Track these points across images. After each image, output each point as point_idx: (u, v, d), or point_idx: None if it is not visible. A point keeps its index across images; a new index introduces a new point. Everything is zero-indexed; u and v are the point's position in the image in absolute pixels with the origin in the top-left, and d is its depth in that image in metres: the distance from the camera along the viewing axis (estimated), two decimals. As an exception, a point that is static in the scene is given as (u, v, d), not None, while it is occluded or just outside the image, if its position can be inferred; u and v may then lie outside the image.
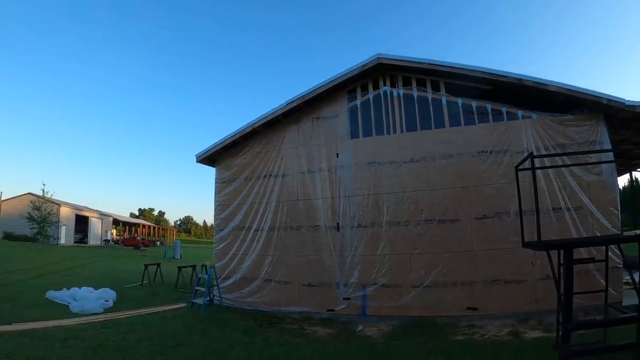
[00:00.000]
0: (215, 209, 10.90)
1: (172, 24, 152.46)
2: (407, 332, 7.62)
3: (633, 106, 8.22)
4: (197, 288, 10.38)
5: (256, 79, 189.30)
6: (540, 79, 8.55)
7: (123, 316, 8.88)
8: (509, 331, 7.20)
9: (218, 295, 10.20)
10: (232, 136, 10.51)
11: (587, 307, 6.67)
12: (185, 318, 8.80)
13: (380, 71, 9.84)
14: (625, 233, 7.03)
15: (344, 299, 9.08)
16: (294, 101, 9.93)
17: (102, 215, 50.14)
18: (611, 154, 8.74)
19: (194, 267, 14.52)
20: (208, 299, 9.98)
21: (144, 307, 9.96)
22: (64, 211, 39.90)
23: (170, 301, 11.00)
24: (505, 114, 8.94)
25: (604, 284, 5.43)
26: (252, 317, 9.02)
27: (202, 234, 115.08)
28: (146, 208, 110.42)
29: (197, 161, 11.08)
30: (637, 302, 4.51)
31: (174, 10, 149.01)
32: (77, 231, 42.67)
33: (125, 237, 54.33)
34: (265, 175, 10.33)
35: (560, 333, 4.64)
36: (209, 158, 11.04)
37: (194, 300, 10.01)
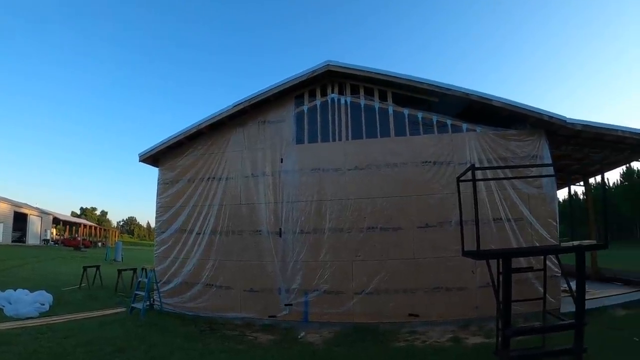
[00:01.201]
0: (157, 211, 10.75)
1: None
2: (349, 339, 7.82)
3: (573, 124, 8.95)
4: (136, 292, 10.19)
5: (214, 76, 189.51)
6: (486, 94, 9.10)
7: (59, 321, 8.66)
8: (450, 337, 7.58)
9: (158, 300, 10.08)
10: (176, 136, 10.42)
11: (527, 313, 7.25)
12: (125, 323, 8.70)
13: (329, 78, 10.07)
14: (562, 243, 7.71)
15: (285, 305, 9.20)
16: (240, 103, 9.97)
17: (42, 213, 47.63)
18: (551, 168, 9.38)
19: (134, 270, 14.29)
20: (148, 303, 9.84)
21: (81, 311, 9.77)
22: (2, 207, 37.69)
23: (110, 305, 10.78)
24: (450, 126, 9.43)
25: (543, 291, 5.99)
26: (193, 322, 9.02)
27: (145, 236, 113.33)
28: (88, 207, 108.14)
29: (140, 160, 10.92)
30: (575, 309, 4.91)
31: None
32: (15, 229, 40.49)
33: (65, 237, 52.47)
34: (209, 178, 10.29)
35: (499, 339, 5.03)
36: (153, 158, 10.90)
37: (133, 305, 9.85)
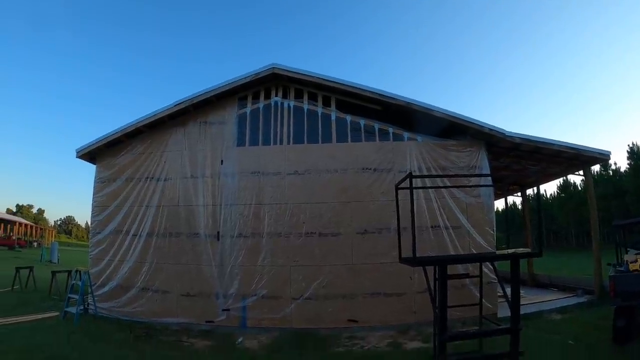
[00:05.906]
0: (92, 210, 10.90)
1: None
2: (288, 344, 8.28)
3: (512, 137, 9.83)
4: (70, 295, 10.36)
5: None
6: (428, 104, 9.85)
7: (-13, 326, 8.55)
8: (389, 342, 8.16)
9: (93, 304, 10.26)
10: (114, 133, 10.65)
11: (465, 318, 7.90)
12: (57, 329, 8.92)
13: (274, 81, 10.60)
14: (499, 251, 8.55)
15: (223, 310, 9.58)
16: (182, 102, 10.32)
17: (-27, 208, 47.08)
18: (490, 178, 10.22)
19: (69, 272, 14.60)
20: (82, 308, 9.99)
21: (12, 315, 9.95)
22: None
23: (43, 309, 10.95)
24: (391, 134, 10.14)
25: (479, 297, 6.54)
26: (128, 328, 9.19)
27: (83, 237, 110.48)
28: (25, 204, 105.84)
29: (77, 156, 11.11)
30: (510, 314, 5.28)
31: None
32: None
33: (-1, 235, 51.66)
34: (147, 178, 10.56)
35: (436, 344, 5.46)
36: (90, 154, 11.10)
37: (66, 309, 10.00)
